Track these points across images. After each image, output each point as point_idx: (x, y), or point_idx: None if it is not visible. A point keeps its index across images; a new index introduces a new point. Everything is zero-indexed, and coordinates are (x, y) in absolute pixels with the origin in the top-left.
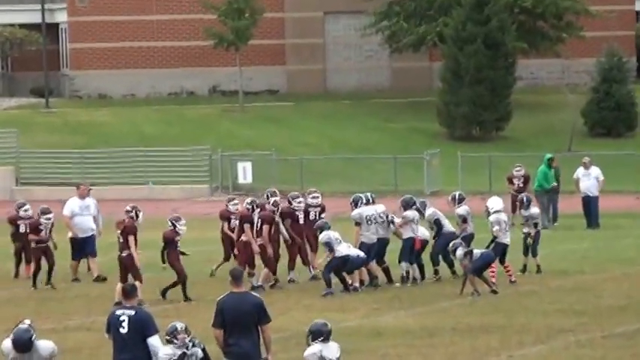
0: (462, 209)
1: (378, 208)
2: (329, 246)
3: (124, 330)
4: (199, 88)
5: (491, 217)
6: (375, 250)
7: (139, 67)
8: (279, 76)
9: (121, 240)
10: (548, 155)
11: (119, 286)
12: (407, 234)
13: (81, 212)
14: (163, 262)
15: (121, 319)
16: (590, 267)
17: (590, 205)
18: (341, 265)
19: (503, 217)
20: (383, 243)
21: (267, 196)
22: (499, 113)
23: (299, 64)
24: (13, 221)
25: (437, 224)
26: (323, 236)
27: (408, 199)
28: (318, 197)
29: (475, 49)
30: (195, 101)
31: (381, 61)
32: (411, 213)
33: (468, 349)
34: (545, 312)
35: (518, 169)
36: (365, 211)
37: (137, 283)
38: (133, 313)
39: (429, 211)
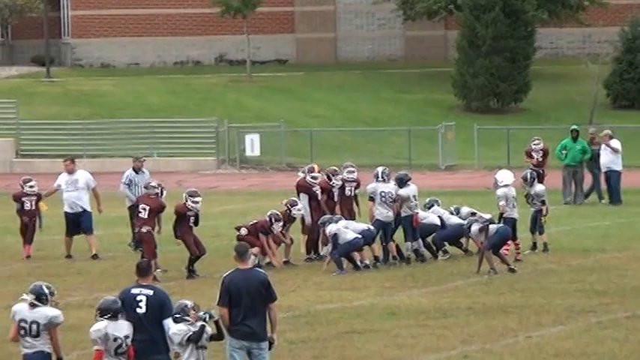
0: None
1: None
2: (336, 239)
3: (141, 310)
4: (205, 58)
5: (499, 191)
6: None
7: (143, 35)
8: (288, 44)
9: (143, 215)
10: (573, 126)
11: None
12: (405, 212)
13: (66, 188)
14: (176, 237)
15: (138, 298)
16: (612, 245)
17: (610, 180)
18: (351, 249)
19: (512, 192)
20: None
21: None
22: (517, 84)
23: (309, 33)
24: (18, 198)
25: (440, 219)
26: (330, 229)
27: (402, 176)
28: (354, 172)
29: (493, 18)
30: (202, 71)
31: (394, 30)
32: (406, 191)
33: (484, 330)
34: (565, 292)
35: (536, 142)
36: (380, 187)
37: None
38: (151, 292)
39: (433, 209)
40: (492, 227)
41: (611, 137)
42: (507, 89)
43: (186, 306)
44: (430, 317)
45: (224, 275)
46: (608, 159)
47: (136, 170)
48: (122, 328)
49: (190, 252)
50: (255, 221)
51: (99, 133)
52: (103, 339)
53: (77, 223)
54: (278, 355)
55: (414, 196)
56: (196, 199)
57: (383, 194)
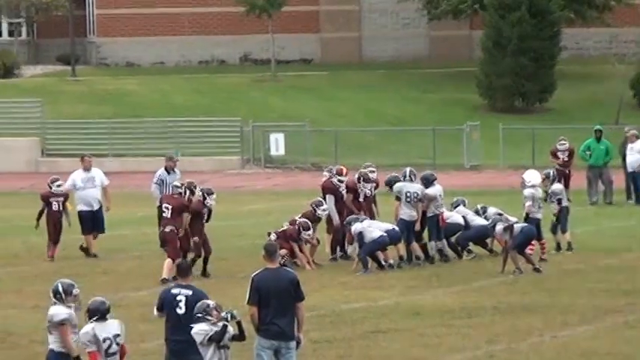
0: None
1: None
2: (361, 237)
3: (181, 310)
4: (230, 57)
5: (526, 192)
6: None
7: (168, 34)
8: (312, 44)
9: (167, 215)
10: (597, 127)
11: (167, 261)
12: (431, 212)
13: (84, 185)
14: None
15: (178, 298)
16: (638, 245)
17: (636, 181)
18: (377, 248)
19: (539, 192)
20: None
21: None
22: (543, 84)
23: (333, 32)
24: (46, 198)
25: (464, 220)
26: (355, 228)
27: (428, 176)
28: (374, 172)
29: (519, 17)
30: (226, 70)
31: (419, 29)
32: (433, 190)
33: (509, 330)
34: (591, 291)
35: (562, 142)
36: (407, 186)
37: (169, 260)
38: (190, 293)
39: (458, 209)
40: (517, 227)
41: (637, 137)
42: (533, 89)
43: (208, 306)
44: (455, 317)
45: (253, 274)
46: (634, 159)
47: (168, 170)
48: (111, 328)
49: (205, 251)
50: (284, 229)
51: (124, 133)
52: (94, 341)
53: (92, 220)
54: (302, 354)
55: (440, 196)
56: (213, 196)
57: (408, 194)
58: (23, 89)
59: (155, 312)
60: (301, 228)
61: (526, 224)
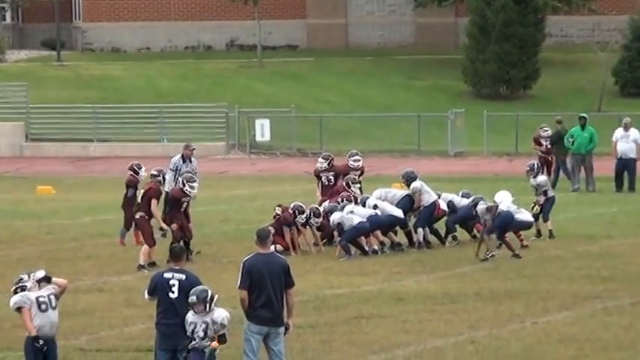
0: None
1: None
2: (340, 227)
3: (173, 295)
4: (216, 42)
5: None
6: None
7: (154, 19)
8: (299, 30)
9: (139, 201)
10: (581, 114)
11: (144, 247)
12: (428, 200)
13: None
14: (165, 222)
15: (171, 282)
16: (618, 232)
17: (627, 168)
18: (357, 234)
19: (512, 208)
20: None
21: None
22: (527, 71)
23: (320, 18)
24: (134, 185)
25: (449, 205)
26: (333, 218)
27: (410, 173)
28: (359, 160)
29: (503, 4)
30: (212, 56)
31: (405, 16)
32: (418, 183)
33: (491, 316)
34: (571, 278)
35: (545, 129)
36: (383, 194)
37: (145, 246)
38: (183, 277)
39: (443, 196)
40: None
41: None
42: (517, 76)
43: (194, 299)
44: (438, 303)
45: (245, 259)
46: (627, 146)
47: (185, 158)
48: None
49: (185, 235)
50: (278, 215)
51: (109, 118)
52: (28, 300)
53: None
54: (286, 339)
55: (424, 187)
56: (194, 184)
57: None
58: (7, 74)
59: (146, 296)
60: (297, 212)
61: (505, 210)
